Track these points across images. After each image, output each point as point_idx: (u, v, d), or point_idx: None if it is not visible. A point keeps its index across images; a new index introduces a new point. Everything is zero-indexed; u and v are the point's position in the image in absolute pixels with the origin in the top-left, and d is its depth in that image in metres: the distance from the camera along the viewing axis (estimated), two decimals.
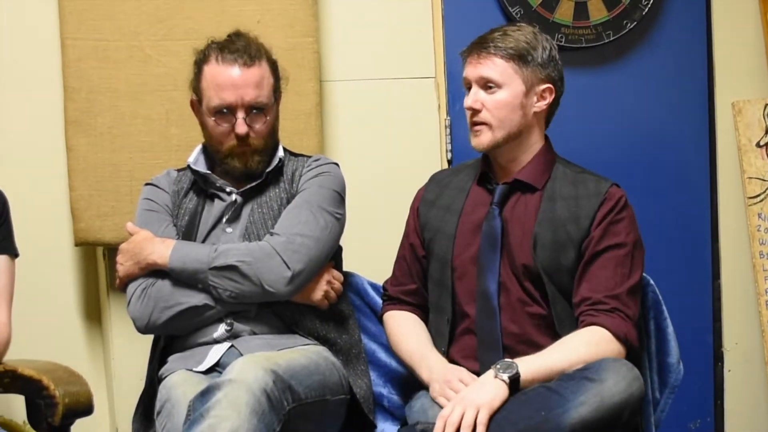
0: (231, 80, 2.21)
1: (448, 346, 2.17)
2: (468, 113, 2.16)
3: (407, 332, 2.23)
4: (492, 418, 1.86)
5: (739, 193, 3.25)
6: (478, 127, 2.14)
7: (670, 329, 2.15)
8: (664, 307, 2.16)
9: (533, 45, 2.13)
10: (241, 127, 2.22)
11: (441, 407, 1.97)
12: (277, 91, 2.30)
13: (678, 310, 2.31)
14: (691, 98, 3.26)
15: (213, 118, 2.24)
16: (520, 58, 2.11)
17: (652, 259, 2.29)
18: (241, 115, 2.22)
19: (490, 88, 2.12)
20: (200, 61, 2.27)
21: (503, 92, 2.11)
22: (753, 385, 3.29)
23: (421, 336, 2.21)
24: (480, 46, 2.14)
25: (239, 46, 2.25)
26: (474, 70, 2.14)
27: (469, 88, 2.16)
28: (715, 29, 3.23)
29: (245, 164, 2.26)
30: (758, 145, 3.22)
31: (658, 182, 3.24)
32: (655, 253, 2.45)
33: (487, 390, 1.89)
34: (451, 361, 2.16)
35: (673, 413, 2.21)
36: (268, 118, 2.26)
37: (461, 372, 2.05)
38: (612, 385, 1.82)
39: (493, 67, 2.11)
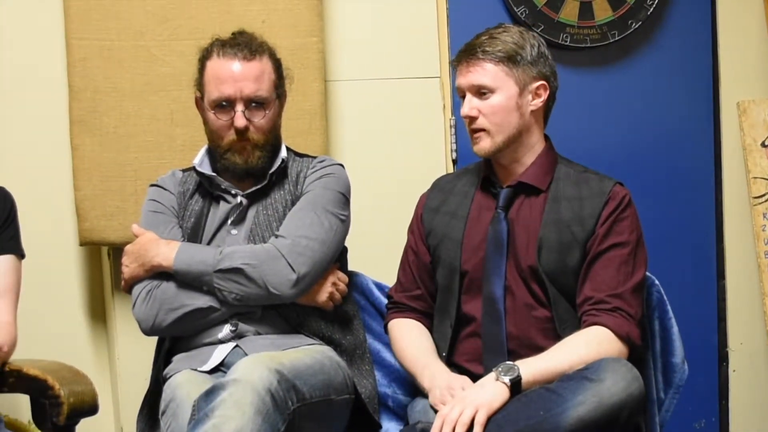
0: (231, 73, 2.22)
1: (451, 349, 2.17)
2: (466, 121, 2.15)
3: (411, 341, 2.22)
4: (491, 418, 1.86)
5: (744, 193, 3.24)
6: (477, 134, 2.13)
7: (675, 329, 2.14)
8: (669, 307, 2.16)
9: (521, 44, 2.12)
10: (240, 120, 2.22)
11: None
12: (279, 88, 2.30)
13: (683, 310, 2.31)
14: (696, 98, 3.25)
15: (213, 112, 2.24)
16: (509, 59, 2.10)
17: (657, 259, 2.29)
18: (240, 108, 2.22)
19: (484, 94, 2.11)
20: (203, 57, 2.28)
21: (497, 96, 2.11)
22: (758, 385, 3.28)
23: (424, 344, 2.20)
24: (468, 53, 2.13)
25: (241, 41, 2.26)
26: (465, 78, 2.13)
27: (463, 97, 2.15)
28: (720, 29, 3.22)
29: (245, 160, 2.26)
30: (763, 144, 3.22)
31: (663, 182, 3.24)
32: (660, 253, 2.45)
33: (487, 391, 1.89)
34: (456, 364, 2.15)
35: (677, 413, 2.20)
36: (268, 112, 2.26)
37: (465, 380, 2.04)
38: (611, 384, 1.82)
39: (484, 72, 2.10)
